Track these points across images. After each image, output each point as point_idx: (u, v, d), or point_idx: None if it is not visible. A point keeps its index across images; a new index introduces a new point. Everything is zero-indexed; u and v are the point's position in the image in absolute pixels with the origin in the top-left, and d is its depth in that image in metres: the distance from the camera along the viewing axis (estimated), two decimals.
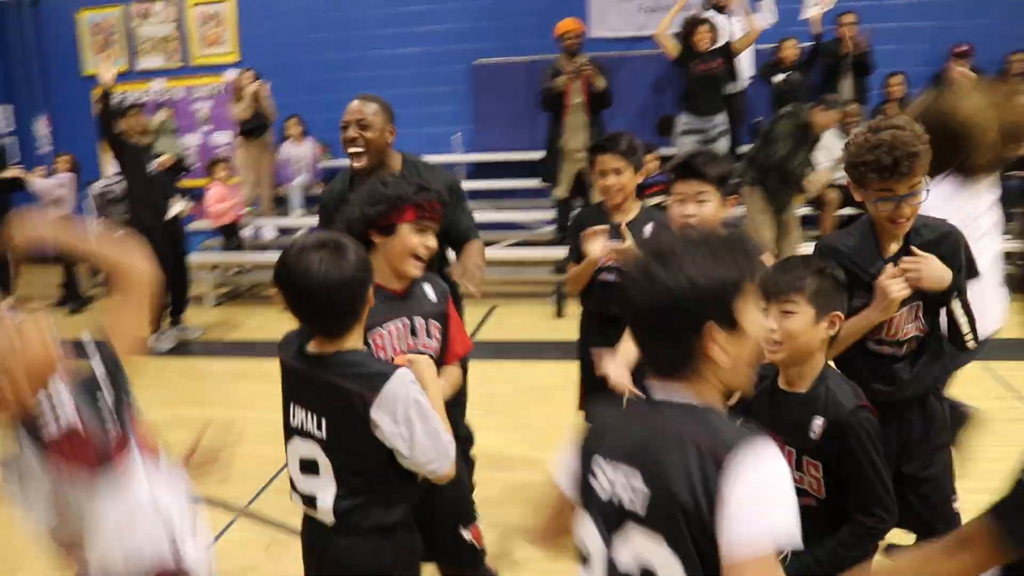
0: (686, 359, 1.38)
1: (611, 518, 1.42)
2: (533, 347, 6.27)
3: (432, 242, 2.39)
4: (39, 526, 1.70)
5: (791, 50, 7.71)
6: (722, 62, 7.40)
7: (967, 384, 5.14)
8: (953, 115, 2.75)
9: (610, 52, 8.25)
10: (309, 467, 2.04)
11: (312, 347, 2.03)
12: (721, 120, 7.53)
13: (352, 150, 3.06)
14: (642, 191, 3.92)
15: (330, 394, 1.97)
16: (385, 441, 1.94)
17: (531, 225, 8.40)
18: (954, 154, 2.68)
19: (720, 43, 7.54)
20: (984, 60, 8.04)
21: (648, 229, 3.12)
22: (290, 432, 2.09)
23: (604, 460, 1.45)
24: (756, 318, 1.41)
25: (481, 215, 8.13)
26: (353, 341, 2.02)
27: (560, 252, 7.29)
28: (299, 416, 2.05)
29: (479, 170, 8.97)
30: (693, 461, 1.31)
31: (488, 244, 8.01)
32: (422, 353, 2.30)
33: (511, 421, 4.77)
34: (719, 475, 1.28)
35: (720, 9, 7.84)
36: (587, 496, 1.48)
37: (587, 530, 1.47)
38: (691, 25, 7.48)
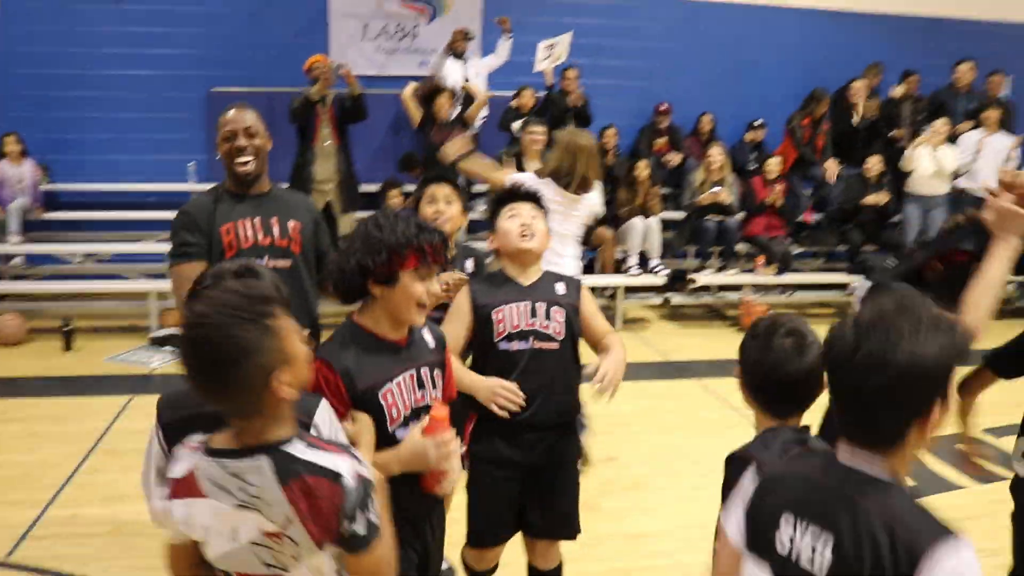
0: (899, 434, 1.40)
1: (790, 574, 1.47)
2: None
3: (435, 287, 2.21)
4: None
5: (528, 99, 8.34)
6: (460, 129, 7.75)
7: (687, 400, 5.90)
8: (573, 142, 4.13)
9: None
10: None
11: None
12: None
13: (242, 159, 3.02)
14: None
15: None
16: None
17: None
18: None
19: (458, 93, 8.03)
20: (680, 118, 9.17)
21: (469, 264, 3.30)
22: None
23: (792, 517, 1.47)
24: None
25: None
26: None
27: None
28: None
29: None
30: (885, 546, 1.33)
31: None
32: (429, 408, 2.15)
33: None
34: (913, 571, 1.30)
35: (458, 55, 8.31)
36: (765, 548, 1.51)
37: None
38: (432, 92, 7.84)
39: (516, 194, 2.89)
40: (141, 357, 6.50)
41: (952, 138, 8.81)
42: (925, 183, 8.63)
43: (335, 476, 1.55)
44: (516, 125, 8.03)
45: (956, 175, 8.77)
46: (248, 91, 8.63)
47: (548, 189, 3.94)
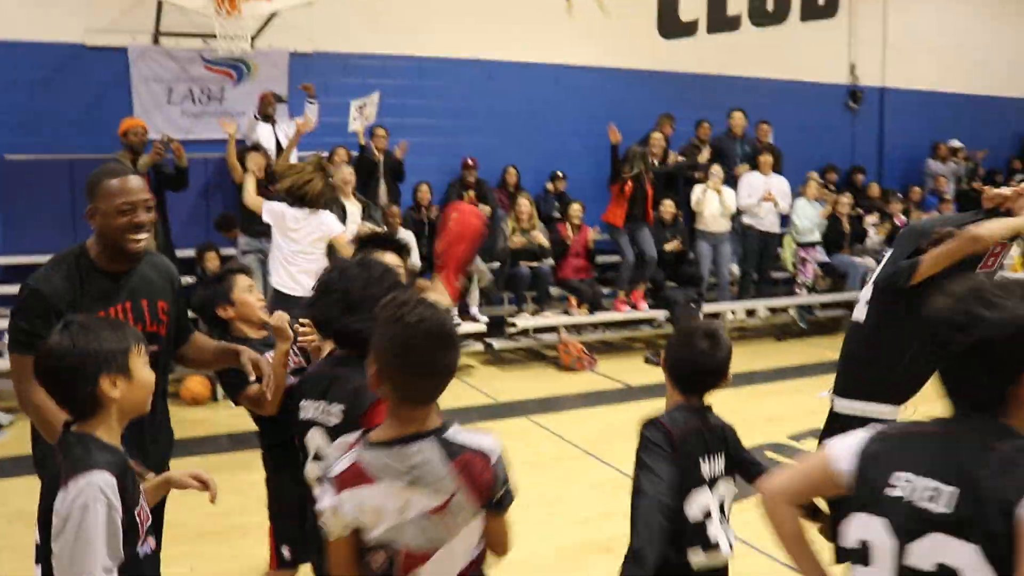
0: (1001, 396, 1.55)
1: (912, 524, 1.56)
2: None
3: None
4: None
5: (342, 157, 8.48)
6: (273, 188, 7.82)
7: (520, 437, 6.18)
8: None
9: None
10: None
11: None
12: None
13: (139, 236, 2.67)
14: None
15: None
16: None
17: None
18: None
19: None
20: (485, 172, 9.66)
21: None
22: None
23: (910, 472, 1.59)
24: None
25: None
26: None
27: None
28: None
29: (9, 274, 8.32)
30: (1012, 483, 1.47)
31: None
32: None
33: None
34: None
35: (267, 118, 8.40)
36: (878, 502, 1.62)
37: (874, 532, 1.62)
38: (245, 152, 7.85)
39: (380, 241, 3.00)
40: None
41: (734, 179, 9.81)
42: (713, 221, 9.56)
43: (486, 452, 1.94)
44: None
45: (739, 213, 9.75)
46: (47, 158, 8.36)
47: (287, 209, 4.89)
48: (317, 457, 2.35)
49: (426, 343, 1.86)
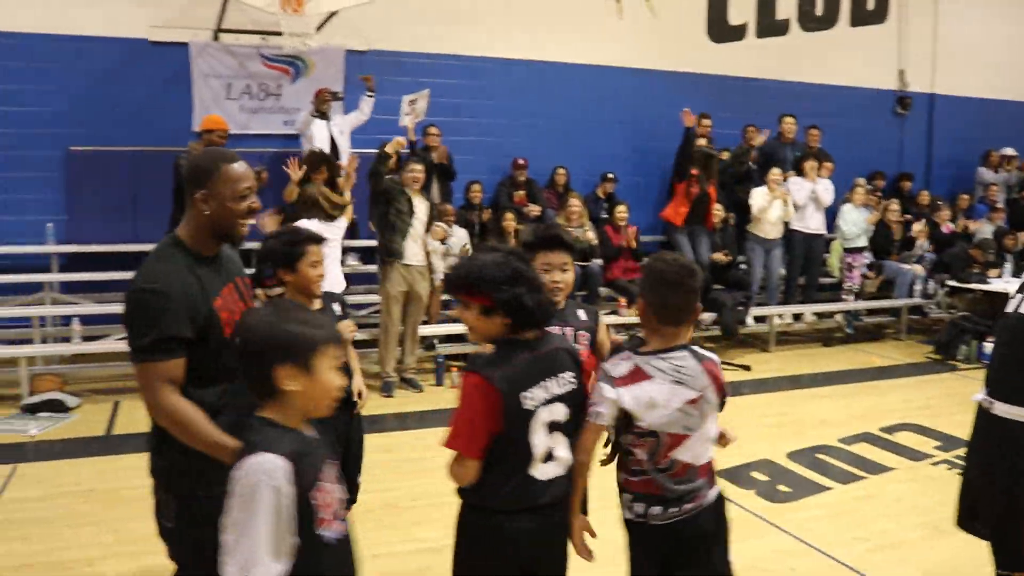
0: None
1: None
2: None
3: None
4: None
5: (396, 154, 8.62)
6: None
7: None
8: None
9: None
10: None
11: None
12: None
13: (250, 221, 2.63)
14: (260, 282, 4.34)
15: None
16: None
17: None
18: None
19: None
20: (535, 172, 9.74)
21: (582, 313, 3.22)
22: None
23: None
24: None
25: (82, 308, 7.93)
26: None
27: None
28: None
29: (75, 262, 8.57)
30: None
31: (96, 338, 7.82)
32: None
33: None
34: None
35: (323, 115, 8.53)
36: None
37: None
38: (317, 163, 7.83)
39: (551, 241, 3.00)
40: (16, 426, 6.28)
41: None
42: (772, 228, 9.56)
43: (717, 362, 2.63)
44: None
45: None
46: (109, 150, 8.57)
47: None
48: (553, 429, 2.45)
49: (675, 277, 2.53)
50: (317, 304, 3.61)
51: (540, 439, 2.39)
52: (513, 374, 2.36)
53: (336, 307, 3.87)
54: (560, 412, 2.43)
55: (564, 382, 2.45)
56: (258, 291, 3.35)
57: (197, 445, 2.40)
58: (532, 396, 2.37)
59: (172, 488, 2.55)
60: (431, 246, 7.79)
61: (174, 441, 2.46)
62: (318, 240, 3.59)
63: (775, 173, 9.53)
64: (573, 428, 2.48)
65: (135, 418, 6.56)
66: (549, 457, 2.42)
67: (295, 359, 1.96)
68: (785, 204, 9.49)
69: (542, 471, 2.40)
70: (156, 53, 8.84)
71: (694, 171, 9.03)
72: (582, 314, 3.17)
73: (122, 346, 7.61)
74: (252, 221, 2.63)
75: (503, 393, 2.33)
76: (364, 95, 8.72)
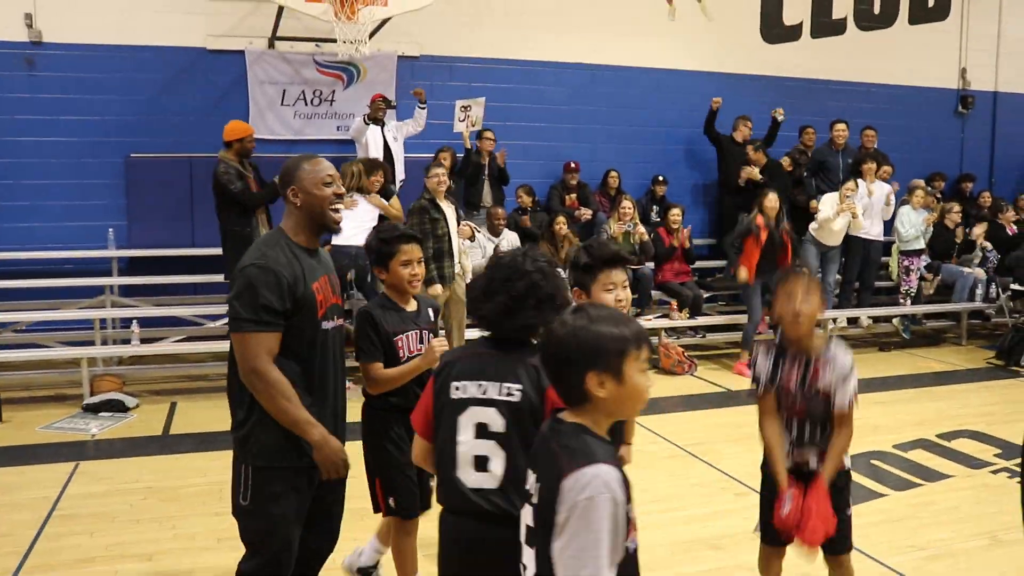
0: None
1: None
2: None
3: None
4: None
5: (446, 159, 8.61)
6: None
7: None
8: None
9: (269, 153, 8.53)
10: None
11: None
12: None
13: (339, 206, 2.94)
14: None
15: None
16: None
17: (197, 321, 8.42)
18: None
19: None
20: (587, 175, 9.73)
21: None
22: None
23: None
24: None
25: (142, 311, 8.12)
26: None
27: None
28: None
29: (135, 266, 8.80)
30: None
31: (154, 340, 8.00)
32: None
33: None
34: None
35: (377, 121, 8.61)
36: None
37: None
38: (372, 167, 7.91)
39: (613, 259, 2.85)
40: (78, 425, 6.46)
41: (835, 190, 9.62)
42: (832, 235, 9.37)
43: None
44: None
45: None
46: (168, 157, 8.77)
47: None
48: (482, 435, 2.35)
49: None
50: (412, 305, 3.53)
51: (466, 438, 2.35)
52: (455, 361, 2.44)
53: (431, 312, 3.67)
54: (494, 419, 2.33)
55: (504, 390, 2.33)
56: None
57: (282, 418, 2.70)
58: (462, 388, 2.38)
59: (249, 459, 2.79)
60: (463, 245, 7.81)
61: (256, 413, 2.75)
62: (412, 239, 3.49)
63: (850, 187, 9.24)
64: (516, 444, 2.30)
65: (191, 418, 6.74)
66: (482, 466, 2.33)
67: (604, 365, 1.89)
68: (854, 217, 9.23)
69: (469, 477, 2.33)
70: (213, 61, 9.02)
71: (759, 220, 8.42)
72: None
73: (179, 348, 7.92)
74: (339, 206, 2.92)
75: (437, 373, 2.46)
76: (417, 106, 8.80)
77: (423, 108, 8.76)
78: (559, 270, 2.48)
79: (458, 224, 7.75)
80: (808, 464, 3.13)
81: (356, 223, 7.12)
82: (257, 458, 2.77)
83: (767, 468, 3.20)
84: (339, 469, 2.81)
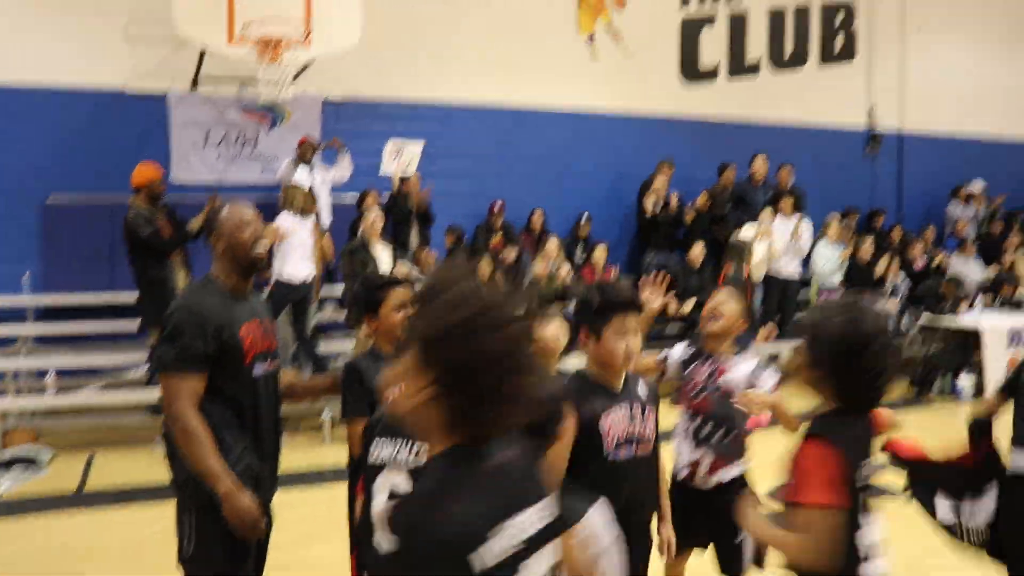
0: None
1: None
2: (157, 490, 6.03)
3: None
4: None
5: (372, 202, 8.62)
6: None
7: None
8: None
9: (192, 196, 8.47)
10: None
11: None
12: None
13: (262, 247, 2.96)
14: None
15: None
16: None
17: (116, 369, 8.18)
18: None
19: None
20: (512, 215, 9.83)
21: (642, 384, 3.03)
22: None
23: None
24: None
25: (59, 360, 7.89)
26: None
27: (156, 394, 7.24)
28: None
29: (51, 313, 8.53)
30: None
31: (71, 390, 7.76)
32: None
33: (171, 560, 4.72)
34: None
35: (305, 163, 8.59)
36: None
37: None
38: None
39: (628, 304, 2.72)
40: None
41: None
42: (756, 269, 9.66)
43: None
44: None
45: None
46: (87, 201, 8.58)
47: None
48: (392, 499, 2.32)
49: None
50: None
51: (380, 502, 2.34)
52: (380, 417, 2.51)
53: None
54: (397, 480, 2.33)
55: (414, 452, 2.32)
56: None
57: (194, 464, 2.67)
58: (379, 446, 2.42)
59: (192, 505, 2.77)
60: None
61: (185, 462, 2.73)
62: (402, 283, 3.28)
63: (767, 212, 9.62)
64: None
65: (109, 472, 6.54)
66: None
67: None
68: (771, 244, 9.58)
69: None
70: (134, 103, 8.91)
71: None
72: (642, 385, 2.86)
73: (97, 399, 7.69)
74: (261, 248, 2.94)
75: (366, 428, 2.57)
76: (339, 153, 8.79)
77: (345, 155, 8.77)
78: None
79: (393, 266, 7.77)
80: (699, 468, 3.24)
81: (301, 253, 7.29)
82: (199, 503, 2.73)
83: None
84: (247, 528, 2.70)
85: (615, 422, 2.67)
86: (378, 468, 2.37)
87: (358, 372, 3.05)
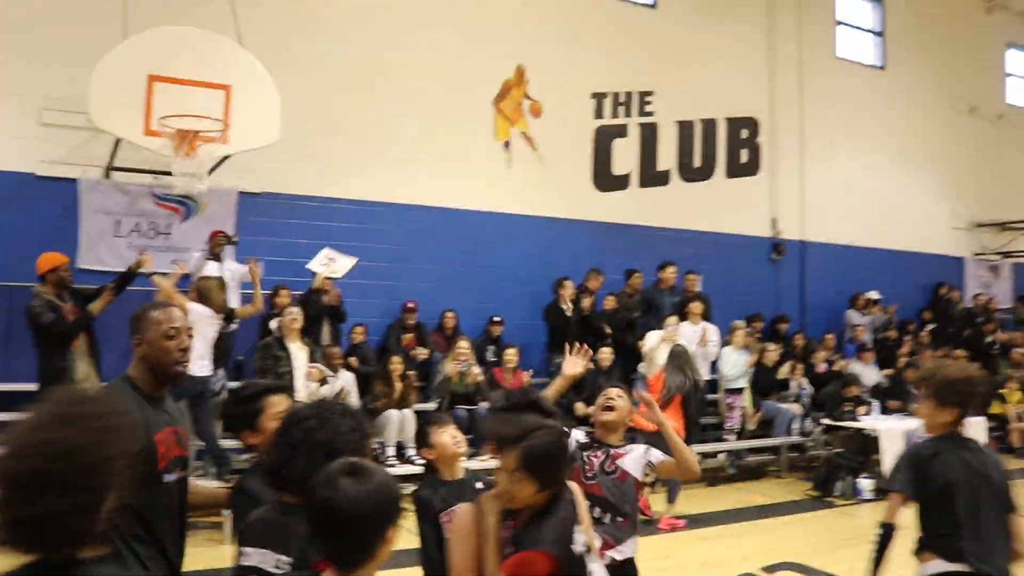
0: None
1: None
2: None
3: None
4: None
5: (285, 297, 8.61)
6: (227, 325, 7.98)
7: None
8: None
9: (99, 285, 8.24)
10: None
11: None
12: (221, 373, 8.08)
13: (185, 360, 2.87)
14: None
15: None
16: None
17: None
18: None
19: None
20: (424, 315, 9.87)
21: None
22: None
23: None
24: None
25: None
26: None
27: None
28: None
29: None
30: None
31: None
32: None
33: None
34: None
35: (216, 257, 8.52)
36: None
37: None
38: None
39: (528, 407, 2.78)
40: None
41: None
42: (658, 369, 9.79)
43: None
44: (274, 324, 8.25)
45: None
46: None
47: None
48: None
49: None
50: None
51: None
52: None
53: None
54: None
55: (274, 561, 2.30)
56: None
57: None
58: (245, 556, 2.35)
59: None
60: (309, 388, 7.71)
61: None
62: (278, 389, 3.06)
63: (672, 321, 9.83)
64: None
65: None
66: None
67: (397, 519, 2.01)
68: (704, 346, 9.84)
69: None
70: (44, 188, 8.75)
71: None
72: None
73: None
74: (184, 359, 2.85)
75: None
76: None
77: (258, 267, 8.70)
78: (355, 419, 2.43)
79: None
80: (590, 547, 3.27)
81: (201, 348, 7.14)
82: None
83: None
84: None
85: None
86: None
87: (251, 497, 2.70)
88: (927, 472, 3.29)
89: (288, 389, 3.14)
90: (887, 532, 3.33)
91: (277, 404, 2.93)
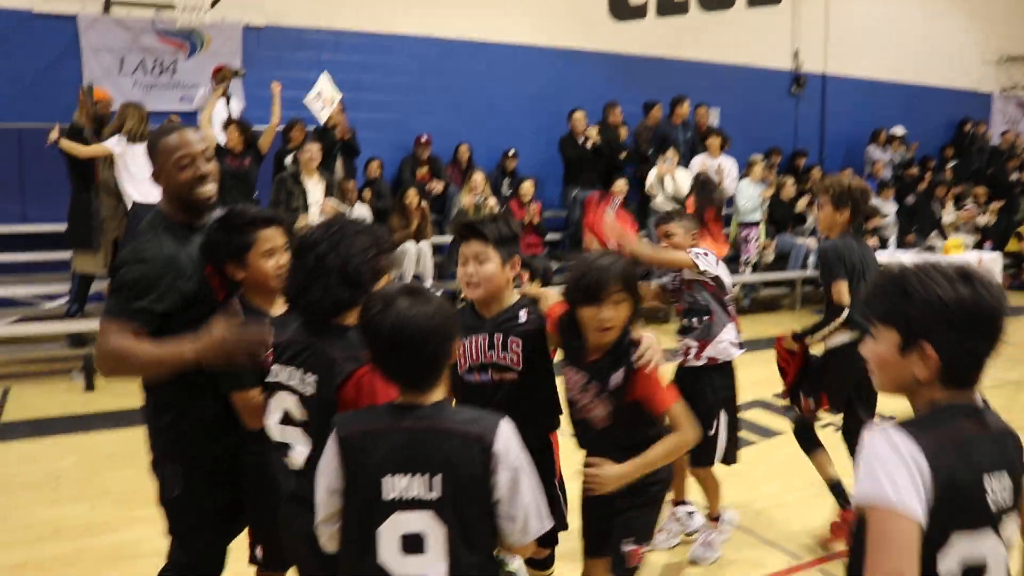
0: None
1: (999, 523, 1.52)
2: (75, 421, 5.93)
3: None
4: None
5: (299, 132, 8.39)
6: (251, 160, 7.70)
7: None
8: None
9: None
10: (413, 545, 1.89)
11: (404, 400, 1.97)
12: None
13: (206, 187, 2.62)
14: None
15: (444, 444, 1.89)
16: (499, 492, 1.91)
17: (31, 301, 7.92)
18: None
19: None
20: (439, 148, 9.74)
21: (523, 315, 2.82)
22: (384, 511, 1.89)
23: (991, 474, 1.51)
24: None
25: None
26: (440, 392, 1.99)
27: (75, 325, 7.09)
28: (399, 485, 1.88)
29: None
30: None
31: None
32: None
33: (90, 491, 4.67)
34: None
35: (224, 92, 8.32)
36: (980, 513, 1.51)
37: (988, 545, 1.52)
38: (223, 126, 7.78)
39: (464, 230, 2.76)
40: None
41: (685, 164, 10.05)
42: (664, 206, 9.76)
43: None
44: (289, 159, 8.15)
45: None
46: None
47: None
48: (285, 420, 2.32)
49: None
50: (280, 306, 2.61)
51: (274, 421, 2.37)
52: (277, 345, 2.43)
53: None
54: (290, 402, 2.31)
55: (301, 379, 2.29)
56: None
57: (155, 370, 2.48)
58: (274, 373, 2.38)
59: (172, 454, 2.62)
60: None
61: (167, 406, 2.59)
62: (271, 221, 2.70)
63: (672, 151, 9.73)
64: (311, 427, 2.26)
65: (25, 403, 6.39)
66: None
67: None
68: (674, 181, 9.69)
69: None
70: (42, 25, 8.49)
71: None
72: (522, 315, 2.80)
73: (12, 330, 7.47)
74: (208, 187, 2.63)
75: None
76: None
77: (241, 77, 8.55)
78: (371, 235, 2.37)
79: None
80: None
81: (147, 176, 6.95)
82: (179, 453, 2.61)
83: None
84: (251, 347, 2.40)
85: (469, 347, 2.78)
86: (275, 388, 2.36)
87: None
88: (847, 261, 3.90)
89: (282, 221, 2.78)
90: (839, 312, 3.96)
91: (270, 239, 2.64)
